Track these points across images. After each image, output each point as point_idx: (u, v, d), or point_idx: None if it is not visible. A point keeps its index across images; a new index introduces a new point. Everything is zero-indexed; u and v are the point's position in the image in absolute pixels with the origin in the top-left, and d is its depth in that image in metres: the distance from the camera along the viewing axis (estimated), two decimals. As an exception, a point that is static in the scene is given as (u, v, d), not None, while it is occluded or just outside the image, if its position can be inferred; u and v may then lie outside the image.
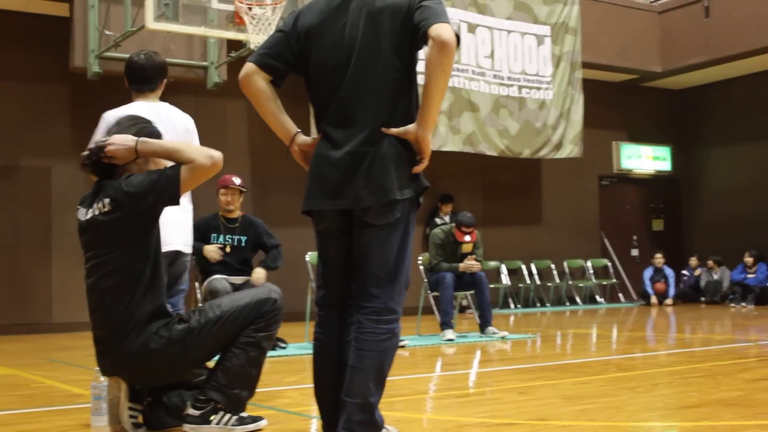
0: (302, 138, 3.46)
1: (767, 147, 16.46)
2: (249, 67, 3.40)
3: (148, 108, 5.03)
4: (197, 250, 7.92)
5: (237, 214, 8.20)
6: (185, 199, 5.13)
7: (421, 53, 3.33)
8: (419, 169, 3.31)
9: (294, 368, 6.84)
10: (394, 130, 3.26)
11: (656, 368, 6.50)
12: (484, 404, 4.97)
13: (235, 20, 10.40)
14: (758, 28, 14.80)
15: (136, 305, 3.90)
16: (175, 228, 4.99)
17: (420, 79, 3.26)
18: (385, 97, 3.28)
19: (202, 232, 7.90)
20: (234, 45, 11.20)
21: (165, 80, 5.38)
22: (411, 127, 3.26)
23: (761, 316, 12.37)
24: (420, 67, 3.23)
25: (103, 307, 3.95)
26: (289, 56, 3.41)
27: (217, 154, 3.93)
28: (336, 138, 3.32)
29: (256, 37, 9.83)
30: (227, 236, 8.10)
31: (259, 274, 7.96)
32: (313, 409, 4.75)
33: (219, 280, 7.83)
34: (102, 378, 4.18)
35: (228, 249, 8.05)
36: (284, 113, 3.46)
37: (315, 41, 3.37)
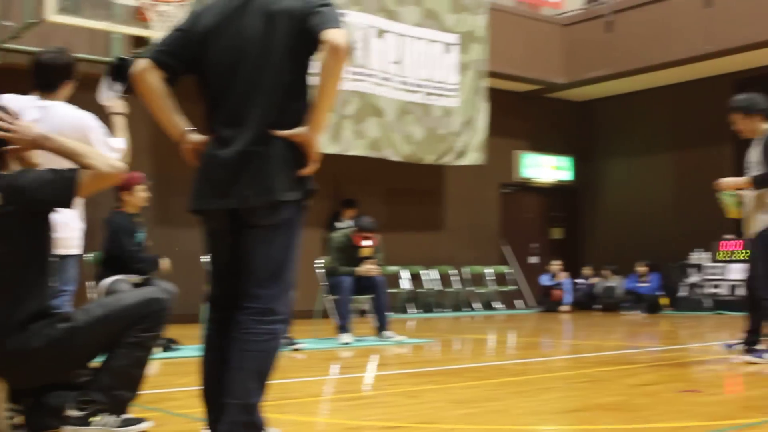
0: (193, 136, 3.46)
1: (664, 160, 16.93)
2: (144, 62, 3.38)
3: (36, 105, 4.90)
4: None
5: None
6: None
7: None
8: (307, 171, 3.33)
9: (186, 370, 6.76)
10: (283, 133, 3.28)
11: (546, 373, 6.63)
12: (374, 407, 5.00)
13: (138, 15, 10.26)
14: (658, 43, 15.26)
15: (20, 305, 3.80)
16: (67, 230, 4.89)
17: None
18: (275, 100, 3.30)
19: (131, 233, 7.82)
20: (139, 41, 11.04)
21: (70, 81, 5.21)
22: (300, 129, 3.28)
23: (652, 324, 12.71)
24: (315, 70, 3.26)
25: (-17, 304, 3.84)
26: (186, 55, 3.41)
27: (120, 165, 3.86)
28: (225, 138, 3.33)
29: (160, 33, 9.71)
30: (141, 233, 7.99)
31: (166, 262, 7.89)
32: (201, 412, 4.72)
33: (122, 281, 7.67)
34: (-17, 377, 4.07)
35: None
36: (176, 112, 3.45)
37: (211, 42, 3.38)
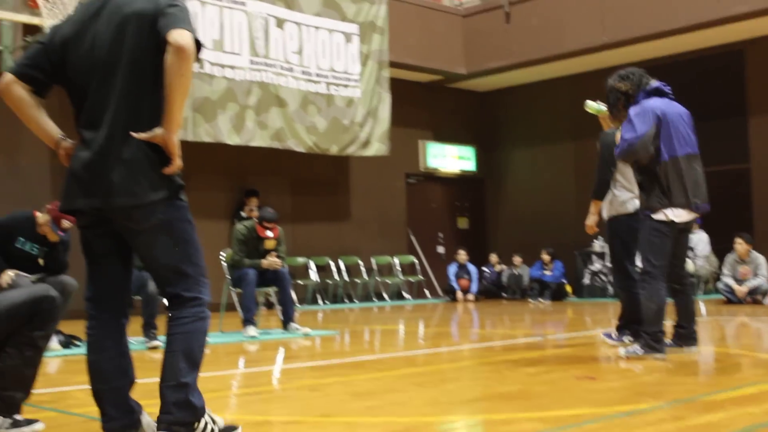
0: (66, 142, 3.52)
1: (564, 149, 17.23)
2: (7, 76, 3.47)
3: None
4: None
5: None
6: None
7: None
8: (170, 170, 3.37)
9: (85, 368, 6.61)
10: (140, 135, 3.32)
11: (448, 364, 6.67)
12: (278, 402, 4.98)
13: (29, 3, 10.00)
14: (554, 35, 15.53)
15: None
16: None
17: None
18: (129, 101, 3.37)
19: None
20: (30, 29, 10.75)
21: None
22: (157, 130, 3.33)
23: (556, 312, 12.92)
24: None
25: None
26: (47, 66, 3.49)
27: None
28: (87, 139, 3.42)
29: (51, 21, 9.48)
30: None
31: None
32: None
33: (22, 277, 7.47)
34: None
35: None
36: (47, 119, 3.53)
37: (71, 50, 3.47)
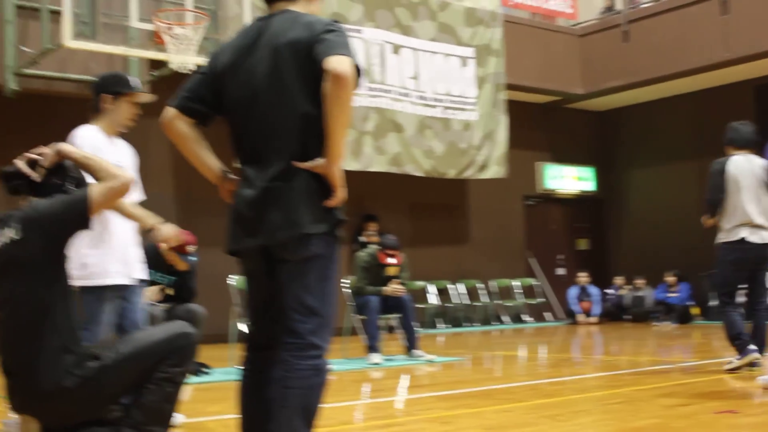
0: (229, 179, 3.43)
1: (686, 167, 16.76)
2: (169, 112, 3.37)
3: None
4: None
5: None
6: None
7: None
8: (333, 203, 3.26)
9: (218, 396, 6.71)
10: (304, 165, 3.22)
11: (579, 394, 6.53)
12: (406, 436, 4.92)
13: (155, 39, 10.27)
14: (674, 53, 15.14)
15: (47, 341, 3.77)
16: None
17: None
18: (291, 133, 3.25)
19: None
20: (156, 63, 11.05)
21: (104, 95, 5.04)
22: (319, 161, 3.22)
23: (683, 336, 12.57)
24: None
25: (11, 342, 3.81)
26: (209, 97, 3.39)
27: (126, 176, 3.86)
28: (249, 176, 3.31)
29: (177, 57, 9.72)
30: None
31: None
32: None
33: (155, 307, 7.66)
34: (14, 415, 4.03)
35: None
36: (209, 154, 3.44)
37: (228, 80, 3.36)
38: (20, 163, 3.99)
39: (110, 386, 3.87)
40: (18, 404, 3.90)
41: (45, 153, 3.95)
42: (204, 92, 3.40)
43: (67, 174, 3.98)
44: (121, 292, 4.89)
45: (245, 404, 3.43)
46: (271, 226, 3.23)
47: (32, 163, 3.99)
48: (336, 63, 3.08)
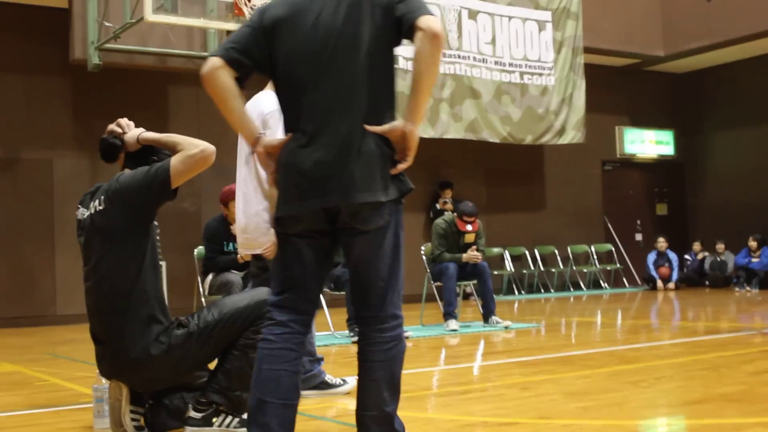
0: (267, 139, 3.23)
1: (769, 130, 16.41)
2: (214, 61, 3.13)
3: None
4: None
5: None
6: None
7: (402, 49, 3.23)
8: (401, 168, 3.12)
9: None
10: (378, 128, 3.07)
11: (660, 360, 6.47)
12: (487, 401, 4.95)
13: (234, 11, 10.37)
14: (759, 11, 14.72)
15: (134, 310, 3.89)
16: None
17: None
18: (365, 91, 3.09)
19: (216, 239, 7.99)
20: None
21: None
22: (398, 123, 3.09)
23: (765, 301, 12.34)
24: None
25: (100, 311, 3.94)
26: (257, 52, 3.17)
27: (208, 146, 3.93)
28: (313, 135, 3.10)
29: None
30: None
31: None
32: (314, 408, 4.76)
33: (231, 273, 7.83)
34: (103, 380, 4.17)
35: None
36: (248, 113, 3.29)
37: (285, 34, 3.16)
38: (117, 129, 4.13)
39: (196, 352, 3.98)
40: (107, 370, 4.04)
41: (128, 139, 4.09)
42: (251, 46, 3.17)
43: (156, 149, 4.10)
44: None
45: (270, 369, 3.17)
46: (348, 186, 3.04)
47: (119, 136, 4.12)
48: (430, 22, 3.00)
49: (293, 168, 3.11)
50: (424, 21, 3.00)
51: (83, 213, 4.03)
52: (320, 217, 3.12)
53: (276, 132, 4.40)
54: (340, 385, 5.22)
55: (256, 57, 3.17)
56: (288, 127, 3.21)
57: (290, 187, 3.12)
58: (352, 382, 5.19)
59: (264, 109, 4.77)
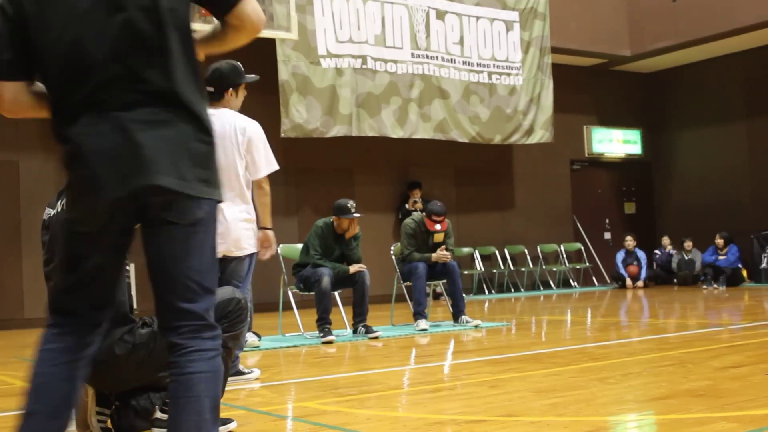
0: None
1: (736, 129, 16.55)
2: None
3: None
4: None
5: None
6: (246, 206, 5.56)
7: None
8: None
9: (266, 363, 6.81)
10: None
11: (628, 357, 6.53)
12: (456, 399, 4.96)
13: (201, 11, 10.29)
14: (724, 11, 14.89)
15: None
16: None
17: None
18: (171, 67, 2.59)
19: None
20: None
21: (231, 89, 5.68)
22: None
23: (732, 298, 12.47)
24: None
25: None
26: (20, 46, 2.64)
27: None
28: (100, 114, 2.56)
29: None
30: None
31: None
32: (283, 408, 4.75)
33: None
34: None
35: None
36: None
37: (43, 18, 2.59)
38: None
39: (161, 352, 3.92)
40: (73, 371, 4.00)
41: None
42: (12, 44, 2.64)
43: None
44: None
45: (43, 381, 2.86)
46: (159, 174, 2.52)
47: None
48: (250, 12, 2.65)
49: (84, 152, 2.61)
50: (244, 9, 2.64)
51: (49, 213, 3.99)
52: (116, 212, 2.65)
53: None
54: (249, 373, 5.86)
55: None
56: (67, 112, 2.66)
57: (84, 176, 2.64)
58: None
59: (247, 130, 5.62)
